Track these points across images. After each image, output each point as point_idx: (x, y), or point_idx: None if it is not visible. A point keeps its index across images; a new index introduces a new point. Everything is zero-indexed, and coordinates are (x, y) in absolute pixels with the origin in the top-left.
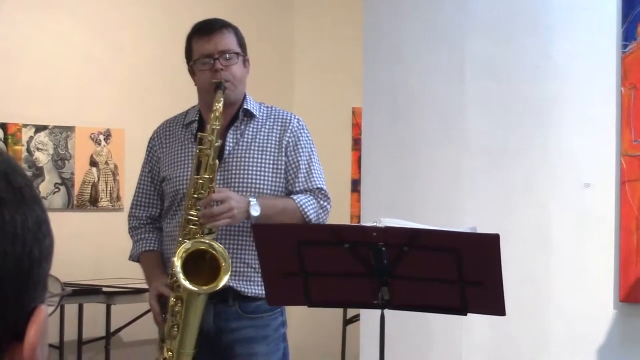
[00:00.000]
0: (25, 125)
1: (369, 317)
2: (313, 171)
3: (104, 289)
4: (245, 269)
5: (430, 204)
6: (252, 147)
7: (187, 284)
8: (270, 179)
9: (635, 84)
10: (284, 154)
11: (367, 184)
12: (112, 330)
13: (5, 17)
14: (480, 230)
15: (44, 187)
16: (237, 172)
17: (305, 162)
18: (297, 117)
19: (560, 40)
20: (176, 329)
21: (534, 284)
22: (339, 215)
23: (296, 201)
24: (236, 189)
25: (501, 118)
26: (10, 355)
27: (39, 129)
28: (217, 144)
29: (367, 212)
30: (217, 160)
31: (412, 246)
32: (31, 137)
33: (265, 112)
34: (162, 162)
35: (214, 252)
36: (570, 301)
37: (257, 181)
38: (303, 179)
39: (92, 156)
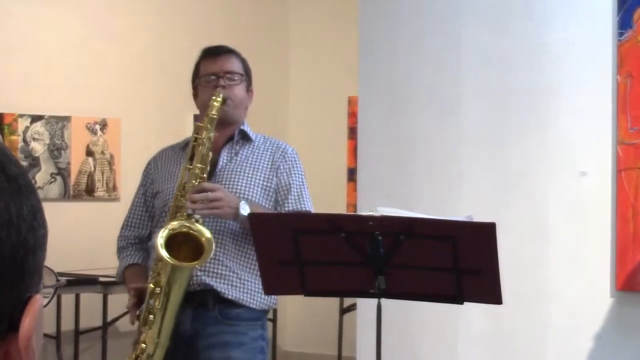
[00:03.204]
0: (21, 116)
1: (366, 306)
2: (304, 195)
3: (101, 279)
4: (227, 272)
5: (426, 193)
6: (245, 165)
7: (169, 258)
8: (260, 194)
9: (631, 72)
10: (275, 175)
11: (363, 173)
12: (108, 320)
13: (0, 8)
14: (477, 219)
15: (40, 177)
16: (228, 185)
17: (297, 186)
18: (291, 147)
19: (556, 29)
20: (152, 317)
21: (531, 273)
22: (335, 204)
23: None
24: None
25: (497, 106)
26: (6, 346)
27: (35, 119)
28: (211, 134)
29: (364, 201)
30: (210, 152)
31: (409, 235)
32: (27, 127)
33: (262, 139)
34: (156, 181)
35: (194, 232)
36: (567, 289)
37: (247, 195)
38: (294, 200)
39: (88, 146)
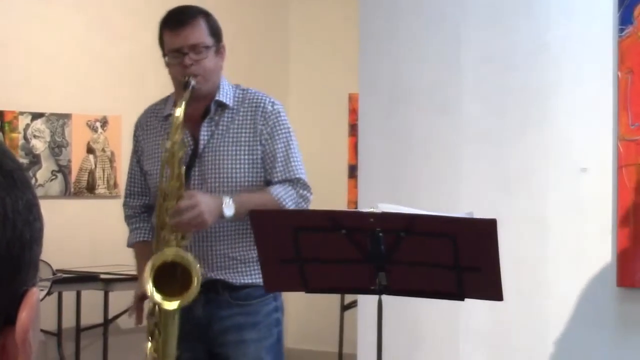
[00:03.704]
0: (21, 113)
1: (367, 303)
2: (291, 160)
3: (102, 276)
4: (231, 262)
5: (427, 190)
6: (227, 139)
7: (162, 302)
8: (246, 171)
9: (632, 68)
10: (259, 142)
11: (364, 169)
12: (109, 317)
13: (1, 5)
14: (477, 215)
15: (41, 175)
16: (213, 166)
17: (283, 150)
18: (272, 100)
19: (556, 25)
20: (158, 331)
21: (531, 269)
22: (335, 201)
23: (273, 194)
24: (213, 183)
25: (498, 103)
26: (2, 339)
27: (36, 116)
28: (180, 154)
29: (364, 198)
30: (182, 168)
31: (409, 232)
32: (28, 125)
33: (239, 97)
34: (144, 155)
35: (181, 261)
36: (568, 286)
37: (234, 175)
38: (281, 169)
39: (89, 143)
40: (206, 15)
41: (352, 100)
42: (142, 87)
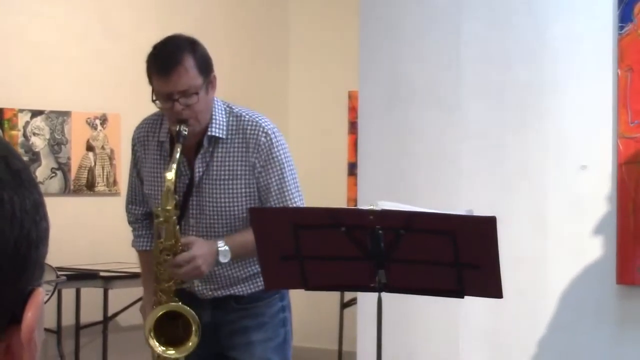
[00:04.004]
0: (21, 110)
1: (366, 300)
2: (285, 189)
3: (101, 274)
4: (236, 281)
5: (426, 187)
6: (222, 171)
7: (160, 351)
8: (244, 203)
9: (632, 66)
10: (254, 175)
11: (363, 167)
12: (109, 314)
13: (1, 2)
14: (477, 213)
15: (41, 172)
16: (210, 198)
17: (276, 181)
18: (265, 130)
19: (556, 23)
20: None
21: (531, 267)
22: (335, 198)
23: None
24: (211, 214)
25: (497, 101)
26: (8, 339)
27: (35, 113)
28: (174, 219)
29: (364, 196)
30: (177, 228)
31: (409, 229)
32: (27, 122)
33: (233, 126)
34: (144, 175)
35: (182, 312)
36: (568, 283)
37: (231, 206)
38: (275, 202)
39: (88, 141)
40: (193, 49)
41: (352, 98)
42: (142, 85)
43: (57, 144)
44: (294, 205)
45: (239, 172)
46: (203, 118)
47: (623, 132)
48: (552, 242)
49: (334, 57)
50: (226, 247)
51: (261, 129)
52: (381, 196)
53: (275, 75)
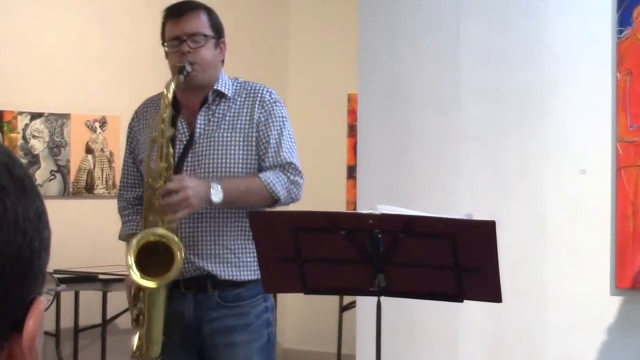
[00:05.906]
0: (20, 113)
1: (365, 304)
2: (283, 145)
3: (100, 276)
4: (219, 250)
5: (426, 191)
6: (222, 126)
7: (139, 280)
8: (240, 157)
9: (631, 70)
10: (255, 129)
11: (363, 170)
12: (108, 317)
13: (0, 5)
14: (476, 216)
15: (40, 175)
16: (207, 152)
17: (275, 136)
18: (269, 89)
19: (555, 26)
20: (142, 317)
21: (530, 271)
22: (334, 201)
23: (262, 179)
24: (206, 169)
25: (496, 104)
26: (10, 346)
27: (35, 116)
28: (169, 134)
29: (363, 199)
30: (171, 149)
31: (408, 233)
32: (27, 125)
33: (237, 87)
34: (140, 145)
35: (164, 240)
36: (567, 287)
37: (227, 160)
38: (272, 154)
39: (87, 143)
40: (208, 10)
41: (351, 100)
42: (141, 88)
43: (56, 147)
44: (290, 159)
45: (238, 126)
46: (208, 70)
47: (622, 136)
48: (552, 245)
49: (333, 60)
50: (219, 187)
51: (266, 89)
52: (380, 199)
53: (275, 78)
